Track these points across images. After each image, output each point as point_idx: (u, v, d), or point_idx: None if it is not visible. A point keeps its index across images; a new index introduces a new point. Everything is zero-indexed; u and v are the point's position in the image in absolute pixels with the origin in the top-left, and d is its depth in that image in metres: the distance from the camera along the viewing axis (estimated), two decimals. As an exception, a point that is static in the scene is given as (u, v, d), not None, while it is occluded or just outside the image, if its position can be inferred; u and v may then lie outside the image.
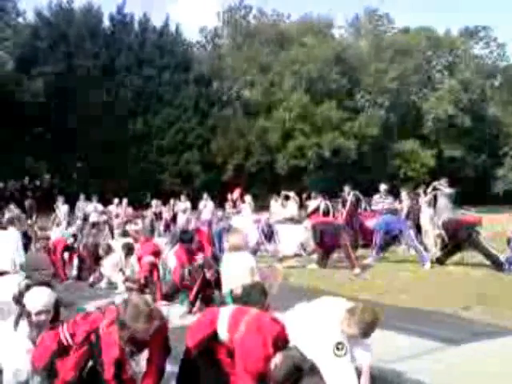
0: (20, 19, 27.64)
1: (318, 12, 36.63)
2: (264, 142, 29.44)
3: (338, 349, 3.39)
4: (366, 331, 3.57)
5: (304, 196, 16.18)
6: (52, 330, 3.66)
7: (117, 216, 15.41)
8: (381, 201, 11.71)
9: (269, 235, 12.16)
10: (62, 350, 3.55)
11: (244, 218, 14.55)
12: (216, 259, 7.96)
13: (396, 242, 11.21)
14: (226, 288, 5.42)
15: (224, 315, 3.59)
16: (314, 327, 3.56)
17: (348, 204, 12.94)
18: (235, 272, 5.37)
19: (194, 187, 27.67)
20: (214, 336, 3.52)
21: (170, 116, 29.00)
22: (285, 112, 29.05)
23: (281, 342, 3.44)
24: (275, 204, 15.75)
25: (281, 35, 32.99)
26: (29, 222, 14.90)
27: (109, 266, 9.09)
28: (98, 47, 28.50)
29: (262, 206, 21.41)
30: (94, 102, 26.88)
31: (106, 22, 30.35)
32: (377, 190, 12.28)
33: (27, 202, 19.96)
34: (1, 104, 23.55)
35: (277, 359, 3.33)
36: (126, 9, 30.49)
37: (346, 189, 13.51)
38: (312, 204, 13.73)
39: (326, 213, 12.73)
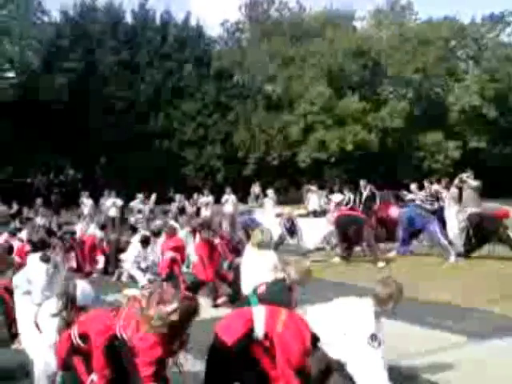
0: (45, 18, 28.02)
1: (339, 4, 36.08)
2: (285, 136, 29.35)
3: (372, 340, 3.44)
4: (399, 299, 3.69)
5: (326, 189, 16.16)
6: (68, 330, 3.74)
7: (139, 211, 15.56)
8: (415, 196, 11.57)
9: (291, 229, 12.15)
10: (76, 349, 3.63)
11: (266, 212, 14.59)
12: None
13: (420, 235, 11.10)
14: (246, 285, 5.34)
15: (259, 315, 3.65)
16: (345, 321, 3.61)
17: (363, 198, 12.89)
18: (258, 269, 5.31)
19: (216, 181, 27.83)
20: (249, 335, 3.58)
21: (192, 110, 29.13)
22: (306, 105, 28.88)
23: (313, 339, 3.53)
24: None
25: (302, 28, 32.75)
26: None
27: (129, 260, 9.23)
28: (119, 43, 28.76)
29: (284, 199, 21.42)
30: (117, 98, 27.21)
31: (128, 19, 30.62)
32: (400, 183, 12.17)
33: (53, 198, 20.35)
34: (26, 102, 23.99)
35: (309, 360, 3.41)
36: (148, 5, 30.69)
37: (362, 183, 13.42)
38: (335, 197, 13.69)
39: (350, 206, 12.69)
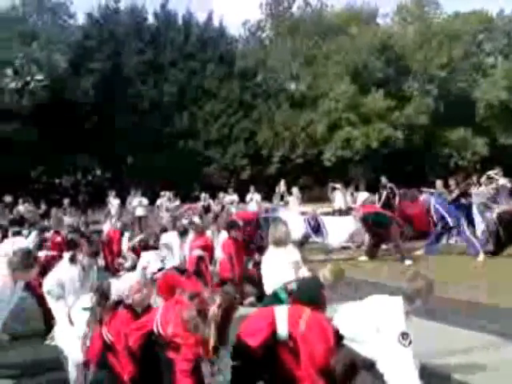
0: (71, 21, 28.53)
1: (361, 1, 35.66)
2: (310, 134, 29.27)
3: (403, 338, 3.40)
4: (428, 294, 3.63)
5: (351, 187, 16.04)
6: (99, 326, 3.83)
7: (167, 210, 15.69)
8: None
9: (316, 227, 12.08)
10: (109, 347, 3.71)
11: (291, 211, 14.56)
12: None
13: (449, 233, 10.94)
14: (267, 283, 5.27)
15: (281, 315, 3.66)
16: (375, 319, 3.57)
17: (383, 196, 12.75)
18: (276, 267, 5.24)
19: (241, 180, 27.91)
20: (273, 336, 3.60)
21: (215, 109, 29.28)
22: (331, 102, 28.74)
23: (337, 338, 3.53)
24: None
25: (325, 25, 32.59)
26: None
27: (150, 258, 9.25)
28: (143, 44, 29.08)
29: (309, 197, 21.36)
30: (141, 98, 27.54)
31: (151, 20, 30.95)
32: (425, 180, 12.02)
33: (81, 197, 20.67)
34: (54, 103, 24.46)
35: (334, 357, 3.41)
36: (171, 5, 30.98)
37: (383, 180, 13.28)
38: (361, 195, 13.60)
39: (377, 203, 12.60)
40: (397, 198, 12.80)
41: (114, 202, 16.41)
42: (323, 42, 31.16)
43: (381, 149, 27.99)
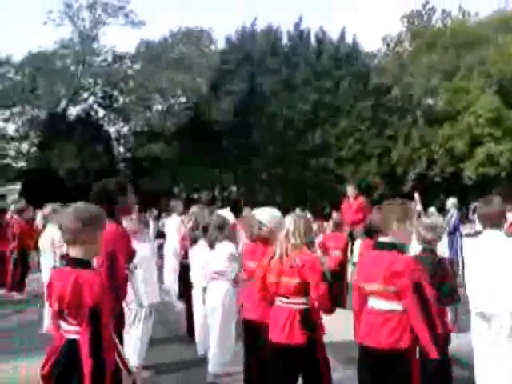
0: (212, 47, 30.49)
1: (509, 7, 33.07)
2: (449, 150, 27.74)
3: None
4: None
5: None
6: None
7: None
8: None
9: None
10: None
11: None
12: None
13: None
14: None
15: None
16: None
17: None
18: None
19: (373, 198, 27.23)
20: None
21: (348, 127, 29.05)
22: (472, 117, 27.01)
23: None
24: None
25: (468, 35, 30.80)
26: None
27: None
28: (278, 64, 29.91)
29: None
30: (276, 117, 28.30)
31: (285, 39, 31.75)
32: None
33: (217, 212, 21.57)
34: (195, 123, 26.23)
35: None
36: (305, 23, 31.53)
37: None
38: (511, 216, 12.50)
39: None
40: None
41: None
42: (465, 54, 29.47)
43: (530, 165, 25.63)
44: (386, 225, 3.16)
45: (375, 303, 3.17)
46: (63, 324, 2.64)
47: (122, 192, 3.72)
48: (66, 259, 2.71)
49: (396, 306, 3.06)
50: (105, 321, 2.54)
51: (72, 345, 2.56)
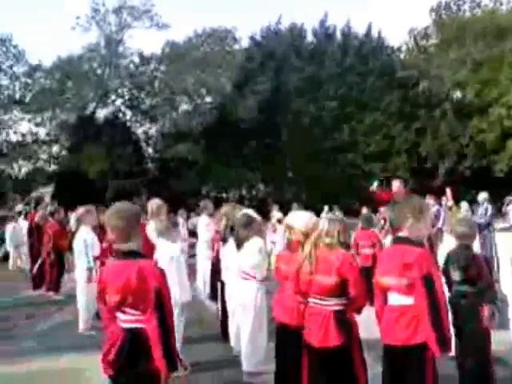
0: (236, 46, 30.56)
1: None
2: (479, 144, 27.18)
3: None
4: None
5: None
6: None
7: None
8: None
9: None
10: None
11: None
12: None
13: None
14: None
15: None
16: None
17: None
18: None
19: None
20: None
21: (375, 122, 28.75)
22: (502, 109, 26.40)
23: None
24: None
25: (498, 24, 30.00)
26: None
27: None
28: (302, 61, 29.79)
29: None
30: (302, 114, 28.18)
31: (309, 37, 31.63)
32: None
33: (246, 211, 21.60)
34: (221, 122, 26.31)
35: None
36: (331, 19, 31.33)
37: None
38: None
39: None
40: None
41: (277, 216, 16.92)
42: (495, 45, 28.78)
43: None
44: (402, 221, 3.23)
45: (392, 299, 3.21)
46: (121, 315, 2.80)
47: (136, 193, 3.83)
48: (120, 254, 2.87)
49: (410, 300, 3.07)
50: (168, 306, 2.71)
51: (135, 332, 2.74)
